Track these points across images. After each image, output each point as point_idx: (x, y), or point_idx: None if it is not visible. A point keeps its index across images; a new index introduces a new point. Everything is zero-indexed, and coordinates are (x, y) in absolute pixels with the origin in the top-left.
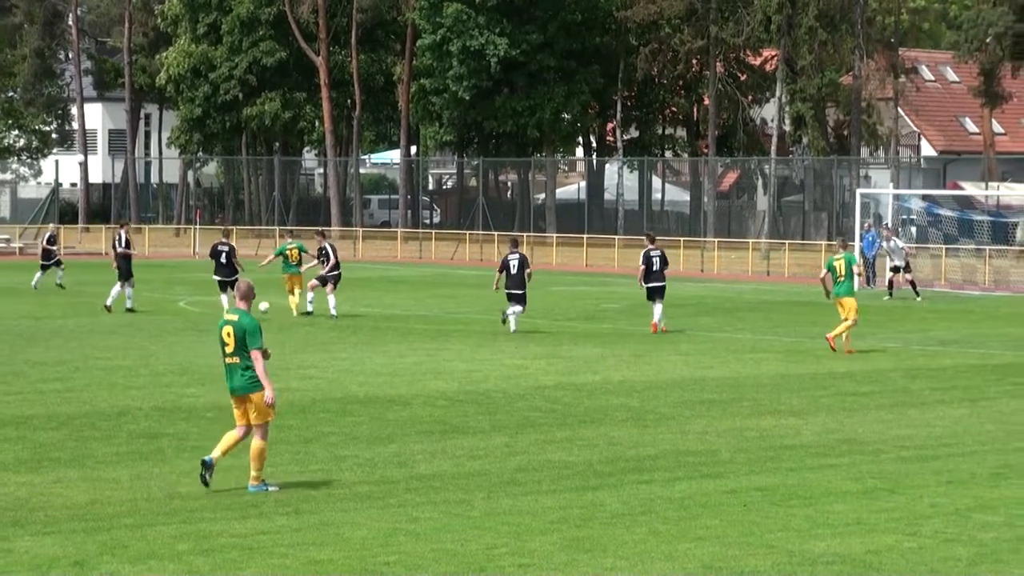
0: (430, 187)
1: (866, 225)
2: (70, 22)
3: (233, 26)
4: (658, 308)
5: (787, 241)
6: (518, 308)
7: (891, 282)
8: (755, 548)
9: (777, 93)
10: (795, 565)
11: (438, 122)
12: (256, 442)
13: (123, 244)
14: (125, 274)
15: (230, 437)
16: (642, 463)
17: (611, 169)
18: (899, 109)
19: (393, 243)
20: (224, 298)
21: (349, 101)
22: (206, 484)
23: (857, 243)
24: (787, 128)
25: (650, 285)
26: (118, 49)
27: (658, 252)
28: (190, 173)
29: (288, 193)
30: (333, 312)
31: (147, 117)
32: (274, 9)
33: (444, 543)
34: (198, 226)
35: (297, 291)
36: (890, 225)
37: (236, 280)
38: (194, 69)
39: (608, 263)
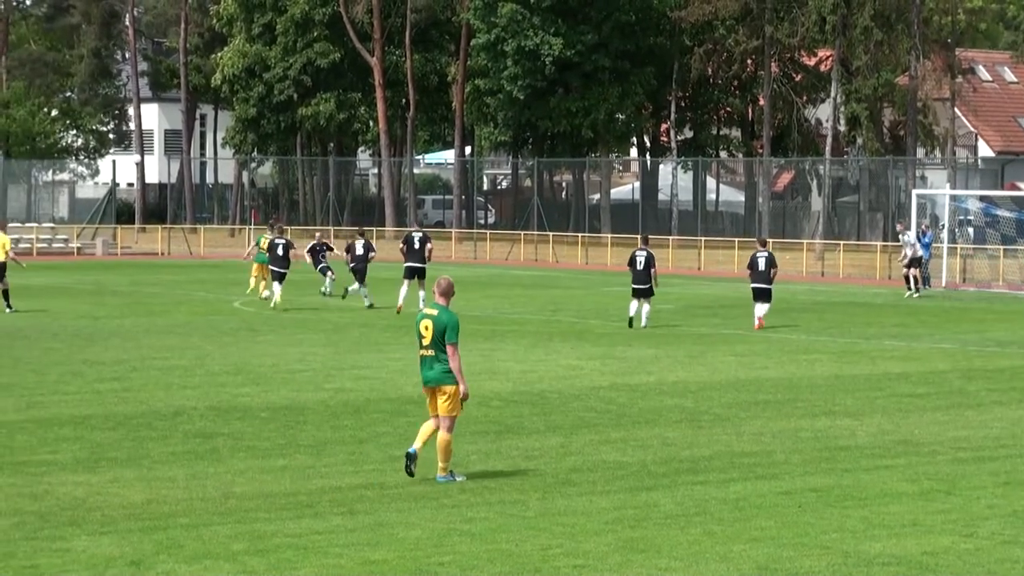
0: (484, 187)
1: (923, 226)
2: (127, 22)
3: (288, 26)
4: (645, 307)
5: (842, 242)
6: (646, 307)
7: (911, 277)
8: (810, 549)
9: (832, 93)
10: (850, 566)
11: (492, 122)
12: (442, 435)
13: (416, 243)
14: (416, 272)
15: (427, 428)
16: (696, 464)
17: (665, 169)
18: (956, 109)
19: (447, 243)
20: (277, 287)
21: (403, 101)
22: (411, 474)
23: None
24: (842, 128)
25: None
26: (174, 49)
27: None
28: (245, 173)
29: (342, 193)
30: (366, 301)
31: (202, 117)
32: (329, 9)
33: (499, 543)
34: (253, 226)
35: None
36: (912, 224)
37: (285, 273)
38: (249, 69)
39: (662, 264)
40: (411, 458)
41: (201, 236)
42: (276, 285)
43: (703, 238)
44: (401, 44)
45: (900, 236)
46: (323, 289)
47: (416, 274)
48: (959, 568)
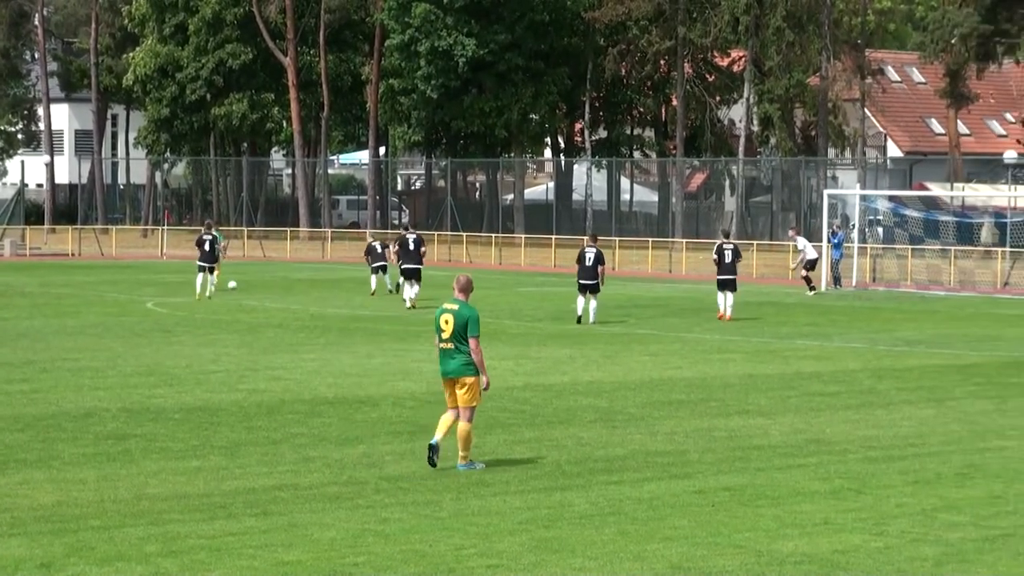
0: (399, 188)
1: (834, 226)
2: (36, 22)
3: (200, 26)
4: (592, 303)
5: (755, 242)
6: (593, 303)
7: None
8: (723, 548)
9: (745, 94)
10: (763, 565)
11: (406, 122)
12: (462, 425)
13: (410, 245)
14: (412, 274)
15: (447, 419)
16: (611, 464)
17: (579, 170)
18: (865, 110)
19: (362, 244)
20: (200, 279)
21: (317, 102)
22: (433, 465)
23: (825, 245)
24: (755, 129)
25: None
26: (84, 50)
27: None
28: (158, 174)
29: (256, 194)
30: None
31: (114, 118)
32: (241, 9)
33: (413, 544)
34: (166, 227)
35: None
36: (824, 225)
37: (214, 267)
38: (161, 69)
39: (576, 264)
40: (434, 449)
41: (113, 237)
42: (201, 276)
43: (617, 238)
44: (315, 44)
45: (794, 240)
46: (389, 288)
47: (412, 275)
48: (869, 566)
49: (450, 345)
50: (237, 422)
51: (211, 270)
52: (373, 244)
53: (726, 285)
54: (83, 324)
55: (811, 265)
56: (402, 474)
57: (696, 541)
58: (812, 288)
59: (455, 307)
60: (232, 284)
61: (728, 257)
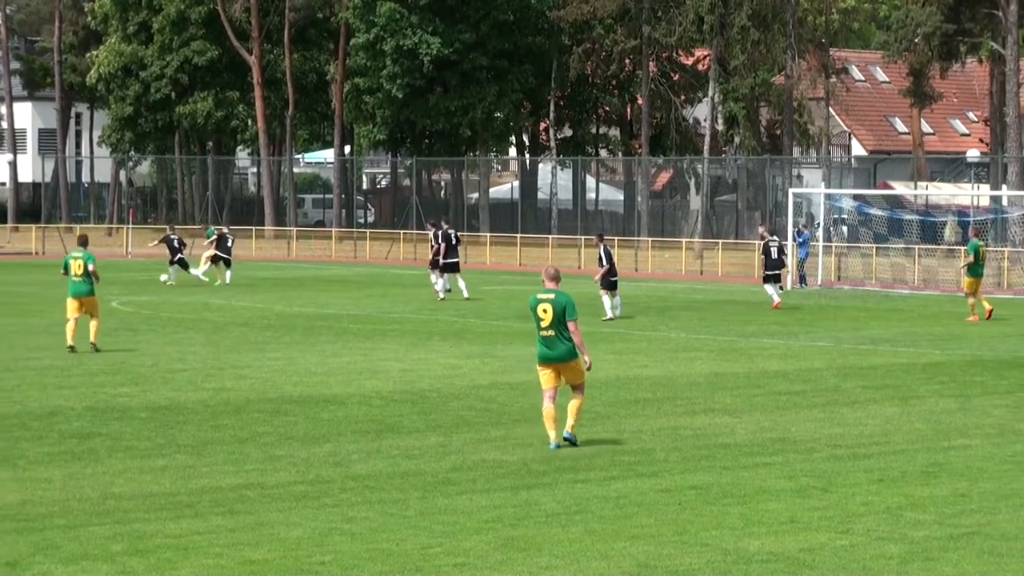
0: (364, 186)
1: (799, 225)
2: None
3: (164, 24)
4: (616, 299)
5: (720, 240)
6: (616, 299)
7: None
8: (690, 547)
9: (710, 93)
10: (729, 563)
11: (372, 121)
12: (576, 401)
13: (453, 240)
14: (455, 267)
15: (550, 412)
16: (577, 462)
17: (544, 168)
18: (830, 109)
19: (327, 242)
20: (172, 271)
21: (282, 100)
22: (575, 444)
23: (790, 243)
24: (720, 128)
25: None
26: (47, 48)
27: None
28: (122, 172)
29: (222, 192)
30: (464, 293)
31: (78, 116)
32: (205, 8)
33: (379, 543)
34: (131, 226)
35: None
36: (789, 224)
37: (181, 259)
38: (125, 68)
39: (542, 262)
40: (567, 439)
41: (77, 235)
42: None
43: (583, 237)
44: (279, 43)
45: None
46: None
47: (454, 269)
48: (835, 564)
49: (551, 332)
50: (203, 421)
51: (228, 263)
52: (172, 237)
53: (773, 279)
54: (47, 323)
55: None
56: (368, 473)
57: (663, 539)
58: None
59: (551, 296)
60: (164, 277)
61: (774, 253)
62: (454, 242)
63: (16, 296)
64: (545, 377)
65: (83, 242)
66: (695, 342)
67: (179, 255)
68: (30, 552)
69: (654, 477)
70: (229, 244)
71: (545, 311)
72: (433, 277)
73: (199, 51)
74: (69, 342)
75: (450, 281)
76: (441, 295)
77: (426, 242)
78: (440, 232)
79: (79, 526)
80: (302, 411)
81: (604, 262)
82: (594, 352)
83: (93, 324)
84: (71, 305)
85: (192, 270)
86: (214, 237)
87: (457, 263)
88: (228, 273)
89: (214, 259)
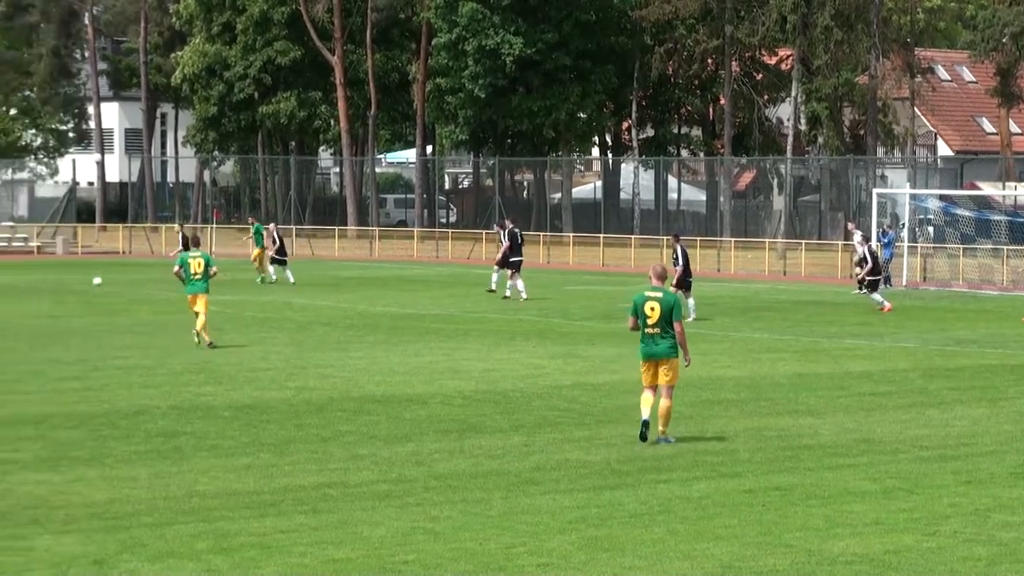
0: (446, 186)
1: (884, 226)
2: (86, 21)
3: (247, 25)
4: (690, 301)
5: (803, 241)
6: (690, 300)
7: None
8: (773, 548)
9: (793, 92)
10: (813, 564)
11: (454, 121)
12: (665, 402)
13: (519, 240)
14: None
15: (648, 398)
16: (660, 462)
17: (627, 168)
18: (915, 109)
19: (409, 242)
20: (273, 270)
21: (365, 100)
22: (644, 439)
23: (875, 244)
24: (803, 128)
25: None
26: (133, 49)
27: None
28: (206, 172)
29: (304, 192)
30: (523, 295)
31: (163, 116)
32: (288, 8)
33: (463, 542)
34: (215, 225)
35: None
36: (873, 224)
37: (285, 260)
38: (209, 68)
39: (624, 262)
40: (646, 425)
41: (163, 235)
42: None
43: (664, 237)
44: (362, 43)
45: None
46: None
47: (516, 268)
48: (922, 566)
49: (657, 330)
50: (286, 420)
51: (283, 263)
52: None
53: (877, 284)
54: (134, 322)
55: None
56: (451, 472)
57: (746, 540)
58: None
59: (658, 294)
60: (97, 280)
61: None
62: (519, 241)
63: (103, 296)
64: (646, 374)
65: (196, 242)
66: (778, 343)
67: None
68: (117, 550)
69: (737, 478)
70: (276, 242)
71: (652, 309)
72: (495, 276)
73: (282, 51)
74: (205, 340)
75: (510, 281)
76: (493, 286)
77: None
78: (507, 231)
79: (165, 524)
80: (385, 410)
81: (679, 262)
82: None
83: (202, 321)
84: (190, 302)
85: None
86: (269, 235)
87: (520, 262)
88: (286, 272)
89: (270, 260)
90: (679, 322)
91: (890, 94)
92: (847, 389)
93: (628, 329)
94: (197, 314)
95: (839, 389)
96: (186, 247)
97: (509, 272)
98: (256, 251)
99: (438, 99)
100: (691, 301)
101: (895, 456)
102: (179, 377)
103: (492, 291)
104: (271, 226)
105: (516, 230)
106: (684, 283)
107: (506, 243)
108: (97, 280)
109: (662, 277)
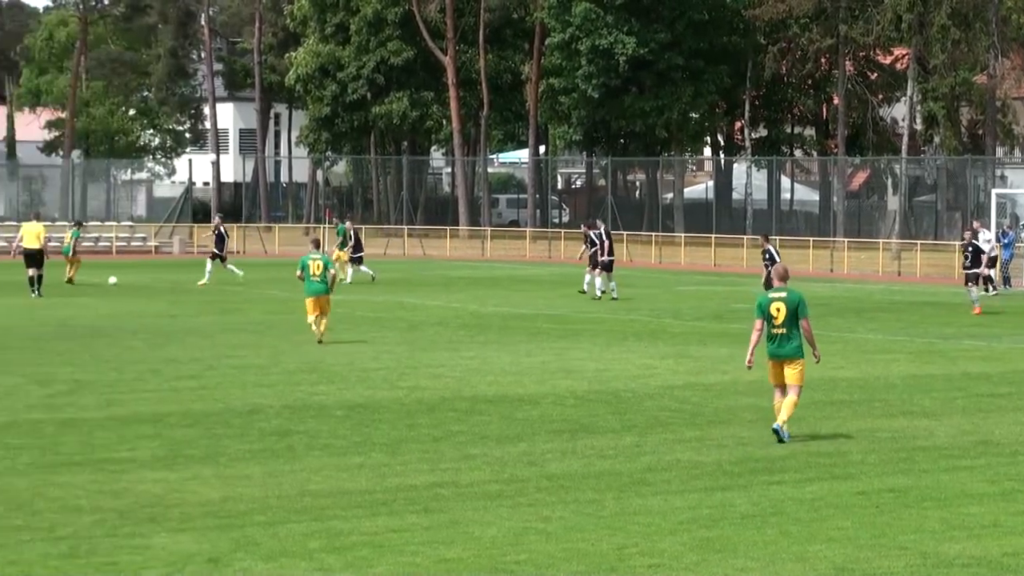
0: (559, 186)
1: (1004, 226)
2: (202, 22)
3: (361, 26)
4: None
5: (919, 241)
6: None
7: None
8: (888, 550)
9: (908, 92)
10: (929, 567)
11: (566, 121)
12: (792, 398)
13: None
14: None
15: (780, 403)
16: (772, 464)
17: (739, 168)
18: None
19: (522, 242)
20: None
21: (477, 100)
22: (782, 441)
23: (993, 243)
24: (918, 127)
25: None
26: (248, 49)
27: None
28: (319, 172)
29: (416, 192)
30: (614, 295)
31: (277, 116)
32: (401, 9)
33: (575, 542)
34: (327, 225)
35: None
36: (992, 224)
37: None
38: (322, 68)
39: (736, 263)
40: (777, 436)
41: (276, 235)
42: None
43: (778, 237)
44: (474, 43)
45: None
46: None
47: (608, 268)
48: None
49: (783, 330)
50: (398, 419)
51: (359, 260)
52: (222, 230)
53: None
54: (247, 321)
55: (992, 262)
56: (563, 472)
57: (860, 543)
58: (988, 288)
59: (783, 294)
60: (113, 280)
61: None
62: (607, 241)
63: (219, 295)
64: (773, 373)
65: (316, 244)
66: (892, 344)
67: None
68: (231, 549)
69: (850, 479)
70: (352, 240)
71: (778, 309)
72: (588, 277)
73: (395, 51)
74: (318, 337)
75: (603, 281)
76: (598, 293)
77: (620, 242)
78: (595, 232)
79: (278, 523)
80: (497, 410)
81: (773, 260)
82: None
83: (324, 321)
84: (310, 304)
85: (229, 265)
86: (341, 239)
87: (612, 262)
88: (355, 270)
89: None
90: (806, 319)
91: (1009, 94)
92: (964, 390)
93: (753, 332)
94: (318, 316)
95: (956, 390)
96: (342, 245)
97: (599, 271)
98: (339, 252)
99: (551, 99)
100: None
101: (1014, 458)
102: (292, 376)
103: (598, 297)
104: (348, 224)
105: (601, 232)
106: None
107: (605, 242)
108: (112, 280)
109: (784, 277)
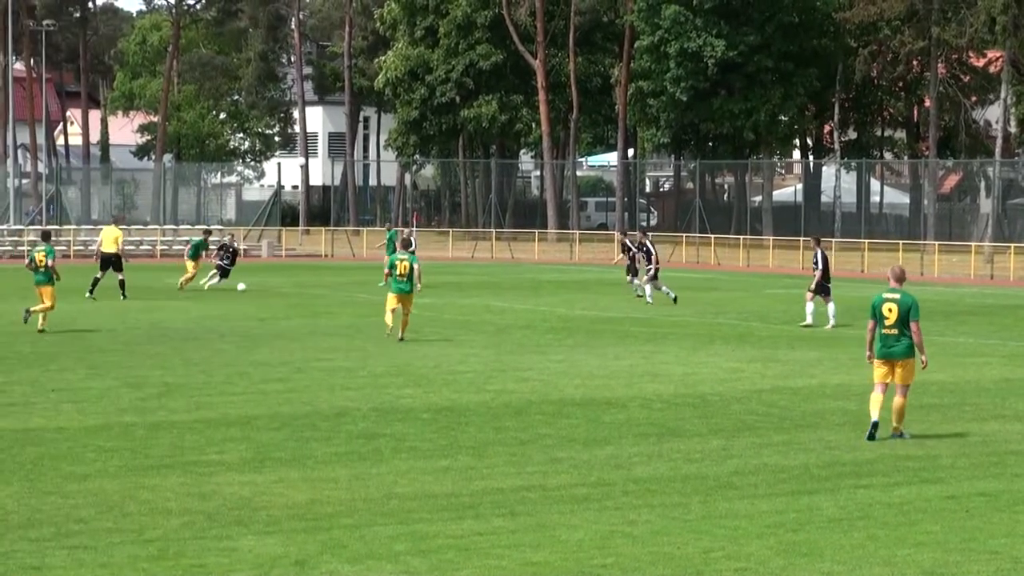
0: (647, 189)
1: None
2: (292, 26)
3: (450, 29)
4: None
5: (1012, 244)
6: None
7: None
8: (977, 554)
9: (1002, 95)
10: (1020, 572)
11: (655, 124)
12: (899, 400)
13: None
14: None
15: (877, 399)
16: (860, 467)
17: (828, 171)
18: None
19: (610, 245)
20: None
21: (566, 103)
22: (873, 439)
23: None
24: (1012, 130)
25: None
26: (338, 53)
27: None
28: (407, 175)
29: (504, 195)
30: (649, 300)
31: (366, 120)
32: (491, 12)
33: (661, 546)
34: (415, 229)
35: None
36: None
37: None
38: (411, 72)
39: None
40: (875, 426)
41: (364, 238)
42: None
43: (866, 240)
44: (564, 46)
45: None
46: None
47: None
48: None
49: (895, 330)
50: (484, 422)
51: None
52: (229, 242)
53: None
54: (336, 325)
55: None
56: (650, 476)
57: (949, 547)
58: None
59: (896, 296)
60: (242, 286)
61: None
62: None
63: (307, 298)
64: (879, 372)
65: (406, 244)
66: (985, 347)
67: (228, 262)
68: (318, 551)
69: (940, 483)
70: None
71: (890, 310)
72: (633, 282)
73: (484, 55)
74: (388, 327)
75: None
76: (649, 299)
77: (708, 245)
78: (630, 240)
79: (364, 526)
80: (583, 413)
81: (819, 266)
82: None
83: (406, 319)
84: (391, 300)
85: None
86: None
87: (658, 270)
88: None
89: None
90: (916, 322)
91: None
92: None
93: (867, 333)
94: (395, 310)
95: None
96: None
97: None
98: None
99: (640, 102)
100: (831, 307)
101: None
102: (379, 379)
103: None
104: (404, 230)
105: (646, 243)
106: (823, 288)
107: (638, 252)
108: (241, 286)
109: (900, 279)
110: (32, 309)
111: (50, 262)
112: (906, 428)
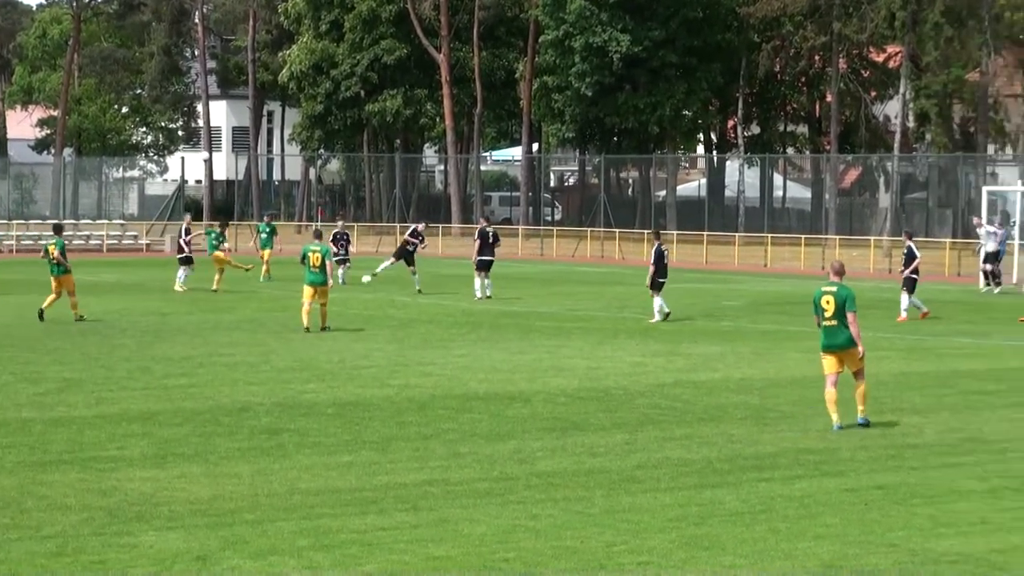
0: (551, 184)
1: (995, 224)
2: (196, 20)
3: (355, 23)
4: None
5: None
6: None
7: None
8: (876, 547)
9: (901, 90)
10: (917, 564)
11: (560, 119)
12: (861, 384)
13: (491, 239)
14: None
15: (832, 396)
16: (761, 461)
17: (732, 166)
18: None
19: (514, 240)
20: (341, 271)
21: (471, 98)
22: (868, 425)
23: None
24: (911, 125)
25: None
26: (241, 47)
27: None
28: (312, 170)
29: (409, 190)
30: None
31: (270, 114)
32: (395, 6)
33: (564, 540)
34: (319, 223)
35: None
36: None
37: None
38: (316, 66)
39: (728, 260)
40: (840, 428)
41: (312, 230)
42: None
43: (770, 235)
44: (468, 41)
45: (979, 229)
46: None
47: (488, 267)
48: None
49: (835, 322)
50: (388, 417)
51: (344, 262)
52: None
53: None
54: (238, 319)
55: (991, 258)
56: (553, 470)
57: (848, 539)
58: (990, 283)
59: (833, 288)
60: (367, 278)
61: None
62: (491, 240)
63: (210, 293)
64: (828, 363)
65: (318, 235)
66: (883, 341)
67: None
68: (220, 546)
69: (840, 476)
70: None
71: (828, 302)
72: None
73: (388, 49)
74: (305, 324)
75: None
76: (478, 293)
77: (613, 240)
78: (479, 230)
79: (267, 521)
80: (487, 408)
81: (655, 261)
82: (781, 350)
83: (324, 310)
84: (307, 292)
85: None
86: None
87: (491, 262)
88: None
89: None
90: (853, 312)
91: (1002, 91)
92: (953, 387)
93: (816, 325)
94: (305, 304)
95: (945, 387)
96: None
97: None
98: (265, 251)
99: (544, 97)
100: (657, 301)
101: (1003, 455)
102: (282, 374)
103: (483, 297)
104: (339, 223)
105: (488, 229)
106: (657, 284)
107: (477, 242)
108: (366, 278)
109: (839, 273)
110: (43, 307)
111: (56, 253)
112: (810, 426)
